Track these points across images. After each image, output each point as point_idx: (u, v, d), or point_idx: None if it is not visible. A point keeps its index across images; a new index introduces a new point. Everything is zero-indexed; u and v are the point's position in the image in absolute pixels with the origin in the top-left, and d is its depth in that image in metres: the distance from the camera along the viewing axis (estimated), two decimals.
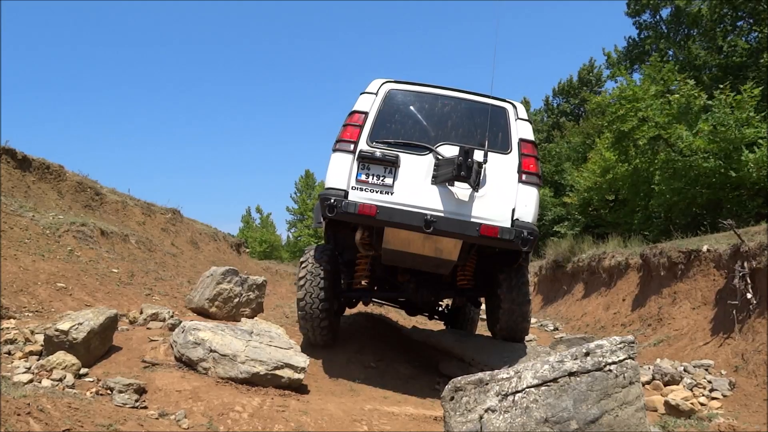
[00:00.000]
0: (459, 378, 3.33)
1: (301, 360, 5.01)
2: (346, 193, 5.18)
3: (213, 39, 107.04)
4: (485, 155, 5.10)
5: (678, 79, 17.02)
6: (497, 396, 3.04)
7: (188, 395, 4.29)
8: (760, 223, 11.99)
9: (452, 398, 3.27)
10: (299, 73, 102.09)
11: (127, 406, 4.00)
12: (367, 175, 5.24)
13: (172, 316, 6.07)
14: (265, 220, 53.10)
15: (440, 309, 8.03)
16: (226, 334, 4.99)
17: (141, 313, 6.04)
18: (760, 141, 13.57)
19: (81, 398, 3.81)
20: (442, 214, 5.11)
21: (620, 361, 2.94)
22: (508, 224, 5.17)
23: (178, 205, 14.86)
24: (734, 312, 6.67)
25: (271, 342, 5.16)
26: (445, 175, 5.11)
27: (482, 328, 8.66)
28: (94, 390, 4.12)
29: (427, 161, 5.28)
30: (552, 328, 11.86)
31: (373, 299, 7.16)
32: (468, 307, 7.78)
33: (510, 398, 2.97)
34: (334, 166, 5.30)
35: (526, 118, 5.64)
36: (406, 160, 5.28)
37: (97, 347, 4.73)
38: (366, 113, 5.43)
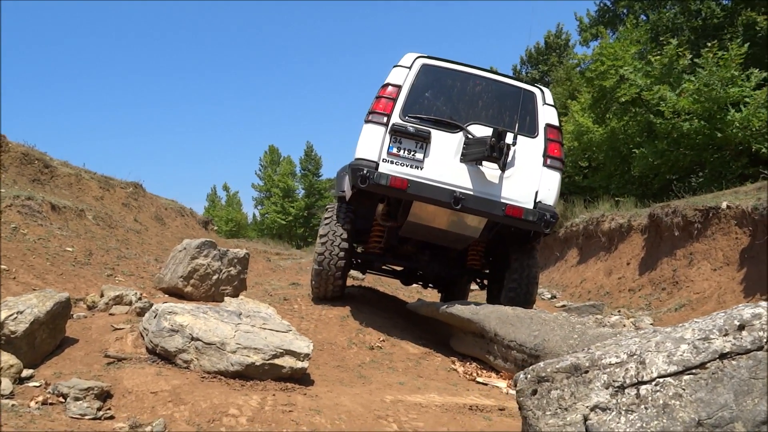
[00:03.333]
0: (541, 364, 2.49)
1: (304, 345, 4.11)
2: (377, 164, 5.24)
3: (177, 13, 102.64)
4: (515, 138, 5.18)
5: (650, 44, 16.58)
6: (607, 389, 2.20)
7: (167, 397, 3.34)
8: (745, 183, 11.60)
9: (535, 392, 2.43)
10: (262, 49, 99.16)
11: (87, 417, 3.04)
12: (399, 149, 5.31)
13: (140, 299, 5.07)
14: (231, 198, 51.56)
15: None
16: (210, 318, 4.04)
17: (102, 296, 5.01)
18: (746, 100, 13.18)
19: (21, 413, 2.82)
20: (470, 192, 5.23)
21: None
22: (531, 206, 5.31)
23: (139, 179, 13.65)
24: None
25: (265, 325, 4.23)
26: (475, 154, 5.20)
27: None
28: (40, 399, 3.10)
29: (457, 139, 5.35)
30: (549, 296, 11.21)
31: (369, 270, 7.38)
32: (463, 277, 7.37)
33: (630, 392, 2.13)
34: (366, 137, 5.34)
35: (552, 103, 5.74)
36: (437, 136, 5.34)
37: (44, 341, 3.72)
38: (399, 86, 5.43)
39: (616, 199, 14.97)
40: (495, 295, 6.51)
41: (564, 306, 9.39)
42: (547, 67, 35.53)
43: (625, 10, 24.38)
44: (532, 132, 5.52)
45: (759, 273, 6.45)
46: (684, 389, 2.02)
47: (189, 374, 3.69)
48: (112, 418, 3.13)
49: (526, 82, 5.87)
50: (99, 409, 3.15)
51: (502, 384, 5.00)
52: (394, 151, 5.30)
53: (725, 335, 2.09)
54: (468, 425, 3.67)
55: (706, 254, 7.79)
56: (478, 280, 7.03)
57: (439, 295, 8.83)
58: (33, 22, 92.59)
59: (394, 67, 5.62)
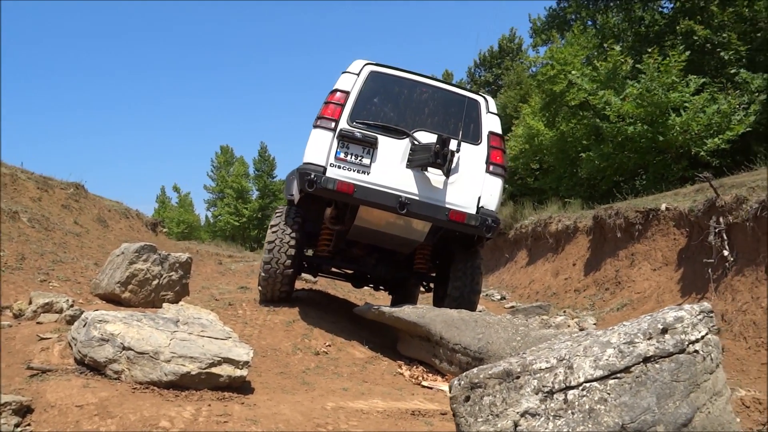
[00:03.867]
0: (474, 371, 2.47)
1: (243, 352, 4.00)
2: (325, 169, 5.33)
3: (124, 9, 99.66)
4: (458, 145, 5.33)
5: (596, 50, 17.08)
6: (537, 394, 2.20)
7: (93, 411, 3.18)
8: (685, 185, 12.06)
9: (467, 398, 2.41)
10: (213, 46, 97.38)
11: None
12: (346, 154, 5.41)
13: (71, 306, 4.83)
14: (183, 200, 50.37)
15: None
16: (144, 326, 3.88)
17: (30, 303, 4.76)
18: (686, 105, 13.73)
19: None
20: (415, 197, 5.37)
21: (702, 337, 2.18)
22: (474, 211, 5.48)
23: (81, 179, 13.11)
24: (709, 271, 6.24)
25: (204, 332, 4.10)
26: (420, 160, 5.35)
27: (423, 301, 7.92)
28: None
29: (403, 145, 5.48)
30: (499, 297, 11.34)
31: (320, 273, 7.42)
32: (411, 280, 7.41)
33: (559, 397, 2.13)
34: (314, 141, 5.43)
35: (496, 111, 5.89)
36: (384, 142, 5.47)
37: None
38: (348, 92, 5.54)
39: (565, 200, 15.33)
40: (441, 297, 6.59)
41: (513, 307, 9.51)
42: (500, 70, 36.14)
43: (573, 16, 25.02)
44: (475, 139, 5.67)
45: (695, 273, 6.67)
46: (609, 394, 2.03)
47: (119, 385, 3.53)
48: None
49: (470, 91, 6.07)
50: (17, 426, 2.97)
51: (447, 387, 5.00)
52: (342, 156, 5.40)
53: (649, 339, 2.11)
54: (409, 431, 3.64)
55: (646, 255, 8.02)
56: (425, 283, 7.12)
57: (390, 297, 8.83)
58: None
59: (343, 73, 5.69)
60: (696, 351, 2.11)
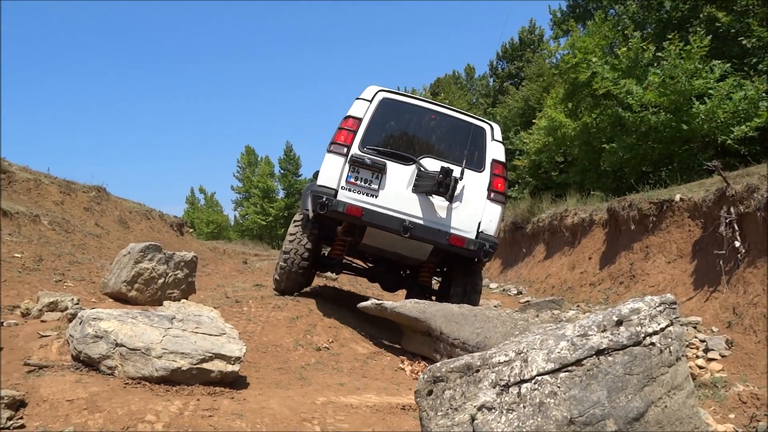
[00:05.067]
0: (438, 364, 2.46)
1: (236, 348, 4.06)
2: (336, 192, 5.71)
3: (153, 15, 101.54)
4: (462, 173, 5.75)
5: (618, 37, 16.69)
6: (494, 388, 2.19)
7: (83, 405, 3.27)
8: (712, 175, 11.72)
9: (430, 392, 2.40)
10: (236, 49, 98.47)
11: None
12: (356, 178, 5.77)
13: (77, 304, 4.97)
14: (209, 200, 51.09)
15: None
16: (139, 323, 3.97)
17: (37, 302, 4.91)
18: (710, 92, 13.31)
19: None
20: (418, 221, 5.74)
21: (662, 329, 2.13)
22: (473, 236, 5.82)
23: (102, 183, 13.41)
24: (721, 263, 6.08)
25: (198, 329, 4.17)
26: (425, 187, 5.68)
27: None
28: None
29: (410, 171, 5.81)
30: (515, 292, 11.24)
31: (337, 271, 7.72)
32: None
33: (513, 391, 2.12)
34: (327, 166, 5.79)
35: (501, 139, 6.16)
36: (392, 168, 5.81)
37: None
38: (360, 119, 5.86)
39: (592, 193, 15.03)
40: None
41: (527, 302, 9.41)
42: (521, 63, 35.68)
43: (594, 5, 24.54)
44: (479, 167, 5.96)
45: (708, 265, 6.50)
46: (559, 387, 2.01)
47: (111, 381, 3.62)
48: (22, 427, 3.06)
49: (477, 118, 6.30)
50: (10, 419, 3.08)
51: None
52: (352, 180, 5.76)
53: (603, 331, 2.08)
54: (396, 425, 3.64)
55: (661, 247, 7.85)
56: (427, 295, 7.34)
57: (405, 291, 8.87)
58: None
59: (356, 99, 6.01)
60: (652, 343, 2.06)
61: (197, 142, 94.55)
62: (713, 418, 3.38)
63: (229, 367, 3.95)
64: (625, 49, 15.39)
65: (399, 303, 5.92)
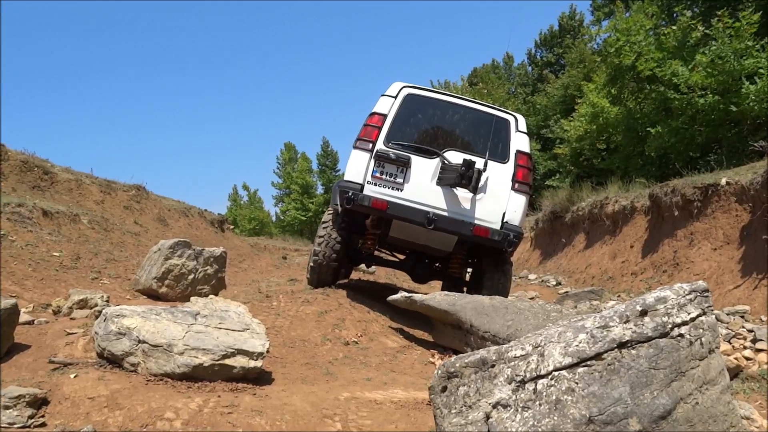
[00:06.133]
0: (452, 359, 2.33)
1: (258, 344, 4.01)
2: (362, 186, 5.88)
3: (190, 18, 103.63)
4: (485, 164, 5.78)
5: (664, 17, 15.97)
6: (509, 384, 2.05)
7: (104, 403, 3.27)
8: (762, 158, 11.10)
9: (444, 389, 2.28)
10: (274, 50, 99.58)
11: (16, 425, 2.99)
12: (382, 173, 5.91)
13: (107, 302, 5.03)
14: (252, 197, 51.87)
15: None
16: (162, 319, 3.96)
17: (68, 299, 4.98)
18: (761, 71, 12.61)
19: None
20: (442, 213, 5.83)
21: (692, 319, 1.95)
22: (498, 226, 5.88)
23: (142, 181, 13.70)
24: None
25: (221, 324, 4.14)
26: (448, 179, 5.78)
27: None
28: None
29: (434, 164, 5.92)
30: (554, 283, 10.95)
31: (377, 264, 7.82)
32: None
33: (529, 387, 1.97)
34: (353, 161, 5.97)
35: (525, 130, 6.17)
36: (416, 162, 5.93)
37: None
38: (385, 115, 6.01)
39: (634, 180, 14.50)
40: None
41: (566, 292, 9.14)
42: (561, 49, 34.80)
43: None
44: (503, 158, 6.01)
45: (756, 252, 6.14)
46: (577, 383, 1.86)
47: (134, 378, 3.63)
48: (43, 425, 3.07)
49: (501, 110, 6.36)
50: (31, 417, 3.09)
51: None
52: (378, 174, 5.91)
53: (626, 322, 1.91)
54: (419, 422, 3.53)
55: (706, 234, 7.47)
56: (459, 287, 7.32)
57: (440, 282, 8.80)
58: (31, 27, 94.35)
59: (382, 96, 6.15)
60: (681, 335, 1.88)
61: (240, 141, 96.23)
62: (758, 413, 3.14)
63: (252, 363, 3.90)
64: (673, 27, 14.68)
65: (428, 296, 5.80)
